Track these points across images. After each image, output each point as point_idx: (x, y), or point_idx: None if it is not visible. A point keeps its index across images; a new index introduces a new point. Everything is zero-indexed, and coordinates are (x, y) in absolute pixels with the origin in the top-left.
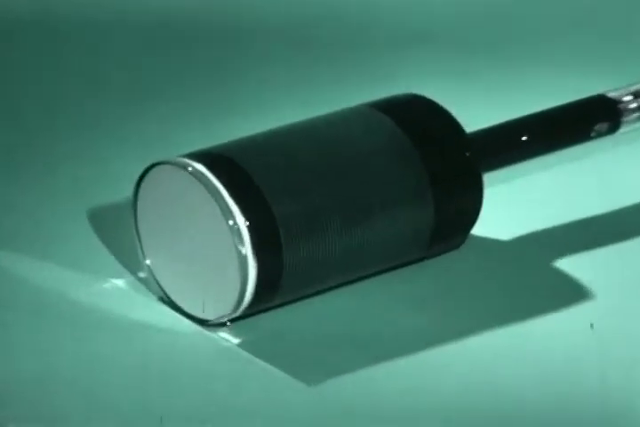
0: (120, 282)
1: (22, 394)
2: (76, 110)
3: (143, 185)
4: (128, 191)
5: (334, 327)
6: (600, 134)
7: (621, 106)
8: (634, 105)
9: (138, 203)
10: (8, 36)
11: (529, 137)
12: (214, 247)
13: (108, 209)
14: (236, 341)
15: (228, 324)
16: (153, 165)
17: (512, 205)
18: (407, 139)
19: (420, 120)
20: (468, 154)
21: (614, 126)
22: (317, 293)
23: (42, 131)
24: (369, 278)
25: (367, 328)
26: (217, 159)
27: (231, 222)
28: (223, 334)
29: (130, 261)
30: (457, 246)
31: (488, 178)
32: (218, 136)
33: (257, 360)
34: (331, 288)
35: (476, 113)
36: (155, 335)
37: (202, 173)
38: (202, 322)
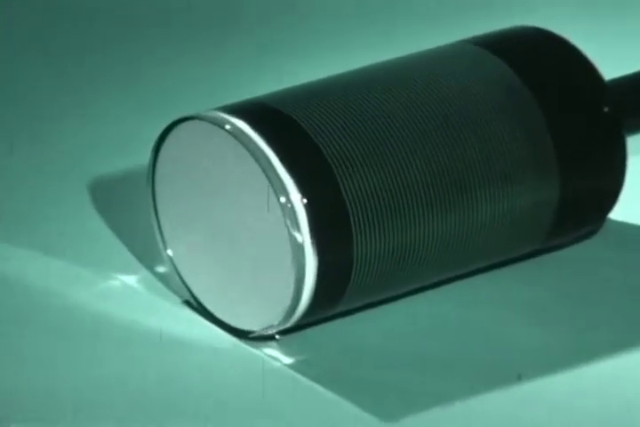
0: (132, 279)
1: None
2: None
3: (163, 150)
4: (143, 158)
5: (415, 344)
6: None
7: None
8: None
9: (156, 174)
10: None
11: None
12: (259, 234)
13: (115, 182)
14: (286, 360)
15: (277, 337)
16: (176, 123)
17: None
18: (526, 90)
19: (543, 64)
20: (606, 110)
21: None
22: (395, 298)
23: (35, 89)
24: (464, 279)
25: (459, 345)
26: (264, 114)
27: (283, 199)
28: (270, 351)
29: (145, 251)
30: (588, 235)
31: (633, 142)
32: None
33: (314, 386)
34: (413, 292)
35: (614, 55)
36: (178, 351)
37: (244, 133)
38: (242, 334)
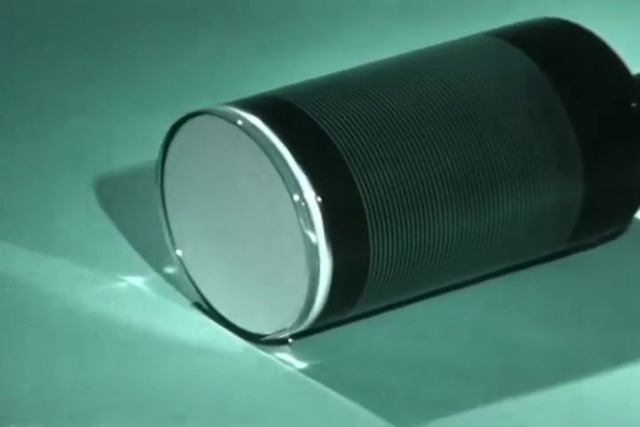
0: (139, 281)
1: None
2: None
3: (172, 146)
4: (151, 155)
5: (430, 348)
6: None
7: None
8: None
9: (165, 171)
10: None
11: None
12: (272, 233)
13: (122, 180)
14: (300, 364)
15: (291, 341)
16: (185, 118)
17: None
18: (550, 84)
19: (568, 58)
20: (634, 105)
21: None
22: (410, 300)
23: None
24: (482, 282)
25: (475, 349)
26: (277, 108)
27: (297, 198)
28: (283, 356)
29: (153, 251)
30: (613, 237)
31: None
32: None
33: (328, 391)
34: (429, 294)
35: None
36: (187, 356)
37: (256, 128)
38: (253, 338)
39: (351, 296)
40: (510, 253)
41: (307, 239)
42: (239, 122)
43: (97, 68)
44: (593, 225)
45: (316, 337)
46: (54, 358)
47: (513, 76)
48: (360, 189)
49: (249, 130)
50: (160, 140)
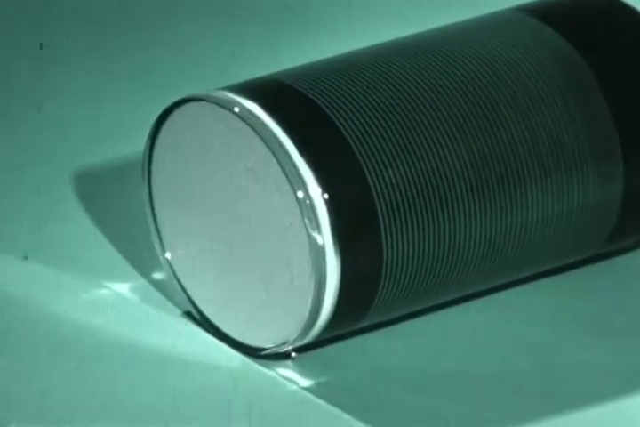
0: (124, 287)
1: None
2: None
3: (161, 137)
4: (137, 147)
5: (451, 364)
6: None
7: None
8: None
9: (153, 165)
10: None
11: None
12: (272, 235)
13: (105, 174)
14: (304, 382)
15: (293, 355)
16: (175, 105)
17: None
18: (587, 69)
19: (608, 39)
20: None
21: None
22: (428, 309)
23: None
24: (509, 289)
25: (502, 365)
26: (278, 94)
27: (301, 194)
28: (285, 372)
29: (140, 255)
30: None
31: None
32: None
33: (334, 411)
34: (449, 303)
35: None
36: (178, 371)
37: (255, 116)
38: (252, 352)
39: (361, 305)
40: (541, 256)
41: (312, 241)
42: (236, 109)
43: (75, 49)
44: (633, 225)
45: (322, 351)
46: (30, 373)
47: (544, 58)
48: (372, 185)
49: (247, 117)
50: (147, 130)
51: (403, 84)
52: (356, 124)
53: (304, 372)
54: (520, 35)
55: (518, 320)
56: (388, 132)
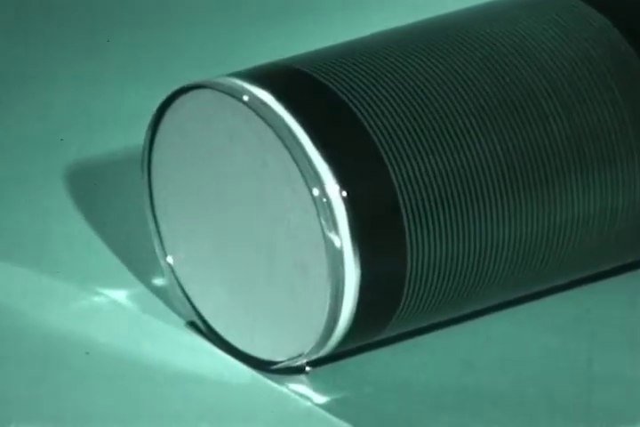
0: (122, 295)
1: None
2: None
3: (162, 128)
4: (136, 138)
5: (478, 380)
6: None
7: None
8: None
9: (153, 159)
10: None
11: None
12: (285, 237)
13: (99, 167)
14: (319, 398)
15: (308, 369)
16: (178, 93)
17: None
18: (637, 58)
19: None
20: None
21: None
22: (459, 319)
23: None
24: (542, 298)
25: (535, 382)
26: (291, 80)
27: (317, 192)
28: (298, 388)
29: (138, 259)
30: None
31: None
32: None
33: None
34: (478, 313)
35: None
36: (181, 387)
37: (266, 105)
38: (262, 366)
39: (383, 314)
40: (577, 263)
41: (328, 243)
42: (245, 97)
43: (69, 30)
44: None
45: (339, 365)
46: (19, 387)
47: (589, 45)
48: (395, 182)
49: (257, 107)
50: (147, 121)
51: (429, 71)
52: (377, 115)
53: (319, 387)
54: (562, 19)
55: (552, 333)
56: (414, 123)
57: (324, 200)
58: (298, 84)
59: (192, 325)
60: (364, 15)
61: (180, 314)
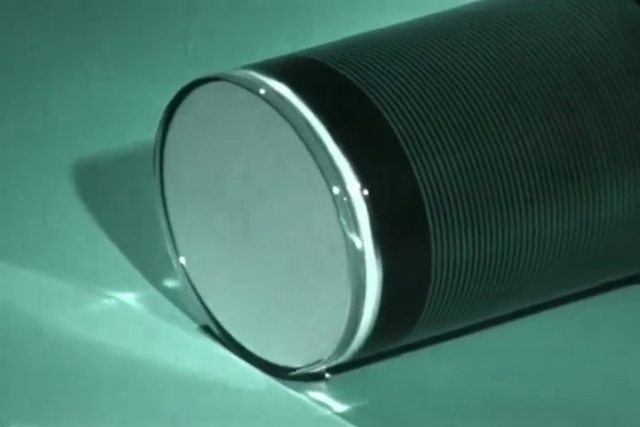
0: (132, 297)
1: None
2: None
3: (175, 122)
4: (148, 133)
5: (506, 387)
6: None
7: None
8: None
9: (165, 154)
10: None
11: None
12: (303, 237)
13: (108, 164)
14: (339, 407)
15: (327, 376)
16: (191, 86)
17: None
18: None
19: None
20: None
21: None
22: (485, 324)
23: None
24: (573, 302)
25: (580, 390)
26: (310, 73)
27: (337, 191)
28: (317, 395)
29: (149, 260)
30: None
31: None
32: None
33: None
34: (504, 318)
35: None
36: (194, 394)
37: (284, 99)
38: (280, 372)
39: (406, 318)
40: (611, 264)
41: (349, 244)
42: (261, 90)
43: (74, 19)
44: None
45: (360, 372)
46: (27, 388)
47: (616, 30)
48: (419, 180)
49: (274, 100)
50: (159, 116)
51: (450, 62)
52: (401, 109)
53: (339, 395)
54: (589, 3)
55: (587, 339)
56: (439, 118)
57: (345, 199)
58: (316, 76)
59: (205, 328)
60: (381, 12)
61: (192, 317)
